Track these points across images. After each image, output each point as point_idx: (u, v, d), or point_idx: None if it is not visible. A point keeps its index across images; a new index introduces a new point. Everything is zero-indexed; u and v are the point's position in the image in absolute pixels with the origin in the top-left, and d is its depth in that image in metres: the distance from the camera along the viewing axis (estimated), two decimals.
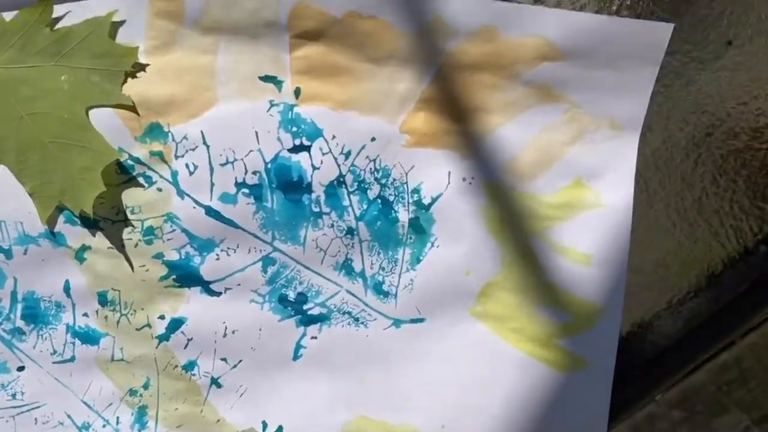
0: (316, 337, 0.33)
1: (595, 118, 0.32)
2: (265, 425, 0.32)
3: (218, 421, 0.32)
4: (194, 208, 0.32)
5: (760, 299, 0.36)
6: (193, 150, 0.32)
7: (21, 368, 0.32)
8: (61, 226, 0.32)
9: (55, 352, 0.32)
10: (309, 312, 0.33)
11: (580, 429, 0.32)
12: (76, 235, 0.32)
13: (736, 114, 0.33)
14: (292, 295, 0.33)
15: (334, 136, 0.32)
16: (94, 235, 0.32)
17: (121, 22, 0.31)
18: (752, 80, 0.33)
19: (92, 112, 0.32)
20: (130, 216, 0.32)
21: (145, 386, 0.32)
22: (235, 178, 0.32)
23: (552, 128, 0.33)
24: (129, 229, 0.32)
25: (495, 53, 0.32)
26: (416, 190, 0.33)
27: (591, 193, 0.32)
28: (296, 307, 0.33)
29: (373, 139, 0.32)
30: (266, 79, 0.32)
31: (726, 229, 0.34)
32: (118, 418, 0.32)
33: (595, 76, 0.32)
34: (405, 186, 0.33)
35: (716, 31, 0.33)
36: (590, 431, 0.32)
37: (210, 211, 0.32)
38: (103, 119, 0.32)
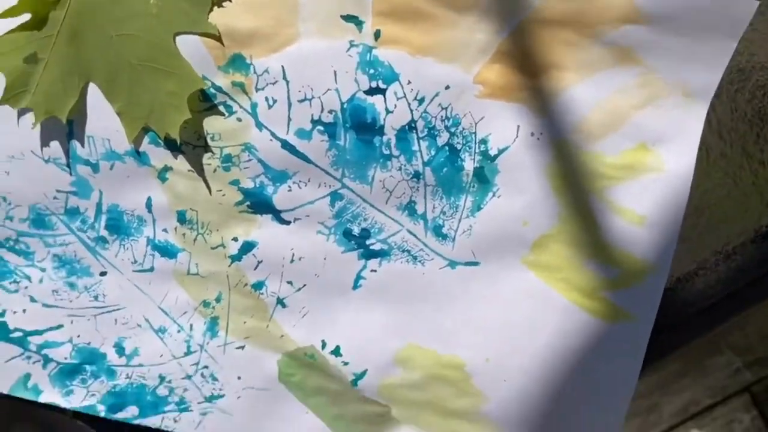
0: (375, 271, 0.35)
1: (668, 84, 0.33)
2: (324, 344, 0.35)
3: (282, 336, 0.35)
4: (271, 140, 0.34)
5: None
6: (273, 84, 0.33)
7: (103, 273, 0.35)
8: (145, 146, 0.34)
9: (135, 261, 0.35)
10: (371, 247, 0.35)
11: (613, 377, 0.35)
12: (159, 155, 0.34)
13: None
14: (356, 230, 0.35)
15: (409, 82, 0.33)
16: (176, 158, 0.34)
17: None
18: None
19: (179, 39, 0.33)
20: (210, 142, 0.34)
21: (217, 300, 0.35)
22: (312, 115, 0.33)
23: (624, 91, 0.33)
24: (209, 155, 0.34)
25: (580, 11, 0.32)
26: (484, 141, 0.34)
27: (654, 158, 0.33)
28: (359, 242, 0.35)
29: (447, 87, 0.33)
30: (348, 18, 0.33)
31: None
32: (191, 325, 0.35)
33: (673, 43, 0.32)
34: (473, 136, 0.34)
35: None
36: (622, 380, 0.35)
37: (285, 145, 0.34)
38: (188, 46, 0.33)
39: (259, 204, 0.34)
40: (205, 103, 0.33)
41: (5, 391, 0.36)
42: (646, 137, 0.33)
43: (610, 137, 0.33)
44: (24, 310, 0.35)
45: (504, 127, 0.33)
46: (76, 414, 0.36)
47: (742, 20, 0.31)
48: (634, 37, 0.32)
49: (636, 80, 0.33)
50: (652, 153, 0.33)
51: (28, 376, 0.36)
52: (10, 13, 0.32)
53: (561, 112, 0.33)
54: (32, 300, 0.35)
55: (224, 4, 0.33)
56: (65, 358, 0.36)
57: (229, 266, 0.35)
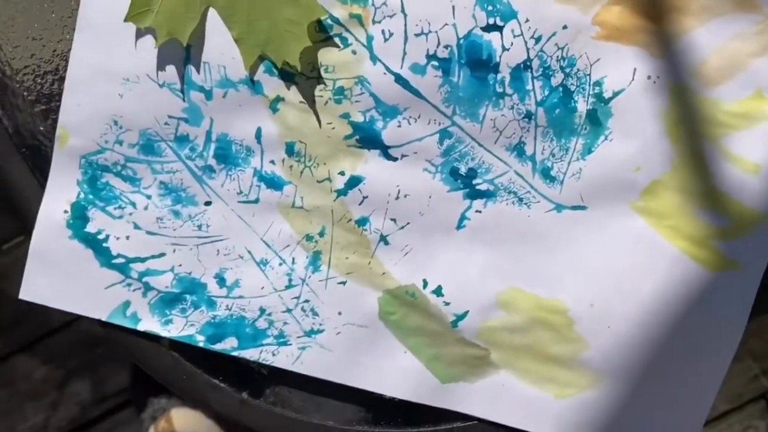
0: (480, 211, 0.35)
1: None
2: (425, 283, 0.35)
3: (383, 273, 0.35)
4: (384, 74, 0.34)
5: None
6: (391, 17, 0.33)
7: (208, 203, 0.35)
8: (260, 75, 0.34)
9: (241, 192, 0.35)
10: (477, 187, 0.35)
11: (718, 328, 0.34)
12: (272, 85, 0.34)
13: None
14: (463, 169, 0.34)
15: (527, 20, 0.33)
16: (289, 89, 0.34)
17: None
18: None
19: None
20: (323, 74, 0.34)
21: (321, 234, 0.35)
22: (427, 49, 0.33)
23: (742, 38, 0.33)
24: (321, 86, 0.34)
25: None
26: (598, 83, 0.33)
27: None
28: (465, 181, 0.34)
29: (564, 27, 0.33)
30: None
31: None
32: (294, 258, 0.35)
33: None
34: (588, 78, 0.34)
35: None
36: (728, 331, 0.34)
37: (399, 79, 0.34)
38: None
39: (367, 138, 0.34)
40: (321, 34, 0.33)
41: (104, 318, 0.36)
42: (764, 85, 0.33)
43: (727, 84, 0.33)
44: (127, 237, 0.35)
45: (620, 70, 0.33)
46: (171, 345, 0.36)
47: None
48: None
49: (755, 27, 0.33)
50: None
51: (127, 304, 0.36)
52: None
53: (679, 56, 0.33)
54: (136, 227, 0.35)
55: None
56: (166, 287, 0.36)
57: (335, 200, 0.35)
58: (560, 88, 0.34)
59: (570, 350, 0.35)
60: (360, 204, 0.35)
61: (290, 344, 0.35)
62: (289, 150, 0.34)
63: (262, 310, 0.36)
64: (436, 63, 0.33)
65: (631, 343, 0.35)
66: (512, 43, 0.33)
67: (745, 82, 0.33)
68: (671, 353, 0.35)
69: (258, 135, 0.34)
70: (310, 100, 0.34)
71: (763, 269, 0.34)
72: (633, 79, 0.33)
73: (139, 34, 0.34)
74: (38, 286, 0.36)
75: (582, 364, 0.35)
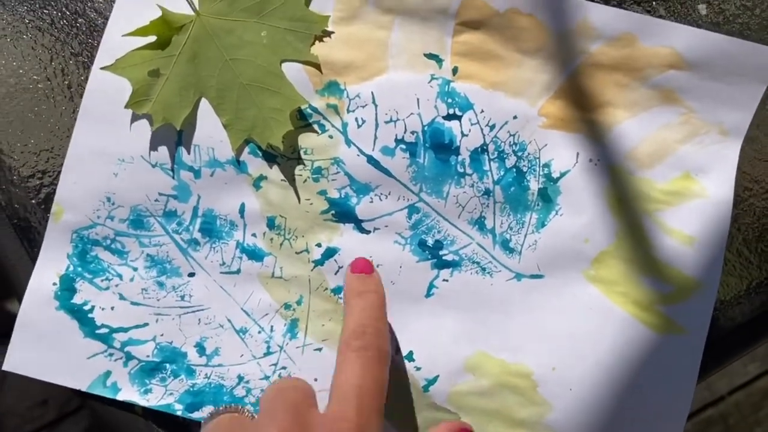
0: (447, 280, 0.37)
1: (706, 123, 0.38)
2: (397, 349, 0.37)
3: None
4: (358, 155, 0.37)
5: None
6: (363, 107, 0.37)
7: (192, 274, 0.37)
8: (245, 155, 0.37)
9: (223, 263, 0.37)
10: (443, 257, 0.38)
11: (671, 388, 0.36)
12: (256, 165, 0.37)
13: None
14: (430, 241, 0.38)
15: (482, 111, 0.38)
16: (271, 168, 0.37)
17: None
18: None
19: (284, 65, 0.37)
20: (303, 156, 0.37)
21: (298, 302, 0.37)
22: (396, 135, 0.37)
23: (668, 127, 0.38)
24: (301, 166, 0.37)
25: (630, 57, 0.37)
26: (547, 165, 0.38)
27: (697, 186, 0.38)
28: (433, 252, 0.37)
29: (515, 117, 0.38)
30: (430, 56, 0.38)
31: None
32: (272, 326, 0.37)
33: (711, 87, 0.37)
34: (537, 160, 0.38)
35: None
36: (680, 392, 0.36)
37: (371, 160, 0.37)
38: (291, 71, 0.37)
39: (342, 213, 0.37)
40: (302, 120, 0.37)
41: (84, 389, 0.36)
42: (690, 167, 0.38)
43: (657, 167, 0.38)
44: (112, 307, 0.37)
45: (565, 154, 0.38)
46: (145, 412, 0.37)
47: (767, 69, 0.37)
48: (676, 81, 0.37)
49: (678, 118, 0.38)
50: (696, 182, 0.38)
51: (108, 374, 0.36)
52: (140, 32, 0.36)
53: (615, 142, 0.38)
54: (121, 297, 0.37)
55: (324, 39, 0.38)
56: (147, 356, 0.37)
57: (312, 270, 0.37)
58: (514, 169, 0.38)
59: (535, 413, 0.37)
60: (336, 273, 0.37)
61: None
62: (270, 224, 0.37)
63: (240, 378, 0.37)
64: (403, 146, 0.38)
65: (592, 405, 0.37)
66: (470, 130, 0.38)
67: (674, 164, 0.38)
68: (629, 413, 0.36)
69: (242, 210, 0.37)
70: (291, 179, 0.37)
71: (706, 333, 0.37)
72: (577, 162, 0.38)
73: (135, 118, 0.37)
74: (22, 357, 0.36)
75: (547, 427, 0.37)
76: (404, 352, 0.37)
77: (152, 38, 0.37)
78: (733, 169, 0.38)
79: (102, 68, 0.37)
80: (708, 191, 0.38)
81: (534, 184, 0.38)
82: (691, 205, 0.37)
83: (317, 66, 0.37)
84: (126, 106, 0.36)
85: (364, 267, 0.35)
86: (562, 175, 0.38)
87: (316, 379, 0.37)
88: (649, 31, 0.37)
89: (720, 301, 0.39)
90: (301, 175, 0.37)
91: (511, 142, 0.38)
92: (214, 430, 0.31)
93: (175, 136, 0.37)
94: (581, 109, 0.38)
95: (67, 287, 0.37)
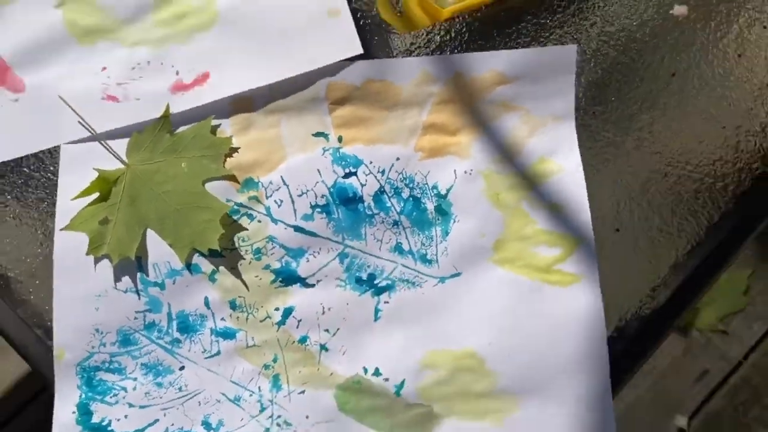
0: (388, 302, 0.45)
1: (542, 116, 0.47)
2: (365, 370, 0.44)
3: (331, 374, 0.44)
4: (285, 228, 0.46)
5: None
6: (278, 190, 0.46)
7: (182, 368, 0.44)
8: (196, 259, 0.45)
9: (205, 350, 0.44)
10: (379, 285, 0.45)
11: (584, 333, 0.44)
12: (206, 264, 0.45)
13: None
14: (364, 275, 0.46)
15: (371, 162, 0.47)
16: (219, 262, 0.45)
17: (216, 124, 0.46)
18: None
19: (207, 184, 0.46)
20: (241, 244, 0.45)
21: (274, 360, 0.44)
22: (310, 202, 0.46)
23: (515, 128, 0.47)
24: (243, 252, 0.45)
25: (466, 87, 0.47)
26: (435, 186, 0.47)
27: (553, 164, 0.47)
28: (369, 284, 0.45)
29: (397, 159, 0.47)
30: (317, 134, 0.47)
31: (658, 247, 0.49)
32: (259, 387, 0.44)
33: (534, 89, 0.47)
34: (426, 185, 0.47)
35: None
36: (592, 331, 0.44)
37: (297, 229, 0.46)
38: (213, 185, 0.46)
39: (288, 278, 0.45)
40: (231, 218, 0.46)
41: None
42: (542, 152, 0.47)
43: (518, 159, 0.47)
44: (126, 416, 0.43)
45: (446, 174, 0.47)
46: None
47: (570, 60, 0.47)
48: (506, 94, 0.47)
49: (520, 119, 0.48)
50: (551, 161, 0.47)
51: None
52: (84, 193, 0.44)
53: (479, 152, 0.47)
54: (130, 406, 0.44)
55: (233, 154, 0.46)
56: None
57: (277, 331, 0.45)
58: (410, 198, 0.47)
59: (489, 384, 0.44)
60: (297, 327, 0.45)
61: None
62: (233, 305, 0.45)
63: None
64: (319, 209, 0.46)
65: (528, 365, 0.44)
66: (366, 180, 0.46)
67: (530, 153, 0.47)
68: (560, 360, 0.44)
69: (206, 303, 0.45)
70: (236, 266, 0.45)
71: (597, 274, 0.45)
72: (456, 177, 0.47)
73: (98, 260, 0.45)
74: None
75: (502, 392, 0.44)
76: (372, 370, 0.44)
77: (96, 194, 0.45)
78: (575, 143, 0.47)
79: (61, 229, 0.45)
80: (562, 166, 0.47)
81: (430, 205, 0.47)
82: (553, 180, 0.47)
83: (233, 177, 0.46)
84: (87, 254, 0.44)
85: None
86: (449, 190, 0.47)
87: (307, 417, 0.44)
88: (474, 65, 0.47)
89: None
90: (245, 259, 0.45)
91: (401, 178, 0.47)
92: None
93: (134, 264, 0.45)
94: (445, 135, 0.47)
95: (84, 412, 0.43)
